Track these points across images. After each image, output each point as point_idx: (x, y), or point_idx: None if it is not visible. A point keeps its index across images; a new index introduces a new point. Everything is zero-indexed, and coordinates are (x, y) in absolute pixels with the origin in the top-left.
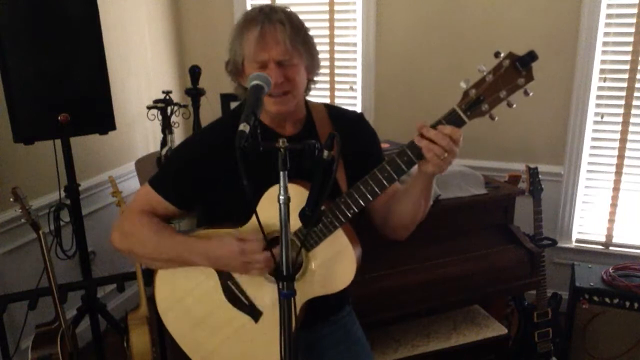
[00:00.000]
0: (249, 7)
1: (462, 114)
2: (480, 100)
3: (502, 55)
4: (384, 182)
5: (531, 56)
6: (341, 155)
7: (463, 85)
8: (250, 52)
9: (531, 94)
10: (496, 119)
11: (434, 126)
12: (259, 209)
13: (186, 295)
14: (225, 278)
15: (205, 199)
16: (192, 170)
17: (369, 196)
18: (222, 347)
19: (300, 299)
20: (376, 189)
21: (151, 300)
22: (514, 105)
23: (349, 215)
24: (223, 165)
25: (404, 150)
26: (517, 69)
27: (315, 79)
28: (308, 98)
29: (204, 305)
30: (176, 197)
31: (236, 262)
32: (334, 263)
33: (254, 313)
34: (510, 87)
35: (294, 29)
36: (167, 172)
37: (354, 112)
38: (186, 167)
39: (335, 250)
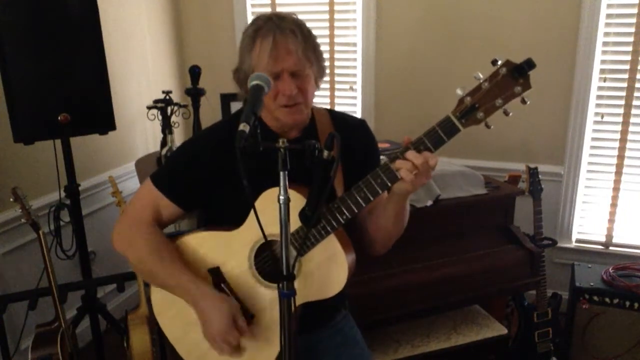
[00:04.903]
0: (248, 7)
1: (456, 122)
2: (475, 107)
3: (499, 62)
4: (378, 189)
5: (529, 64)
6: (340, 159)
7: (459, 92)
8: (263, 64)
9: (528, 102)
10: (492, 127)
11: (427, 134)
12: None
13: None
14: (219, 280)
15: (206, 198)
16: (194, 168)
17: (362, 202)
18: (213, 350)
19: None
20: (369, 195)
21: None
22: (511, 114)
23: (342, 221)
24: (223, 165)
25: (397, 156)
26: (514, 77)
27: (321, 82)
28: None
29: None
30: (178, 195)
31: (212, 332)
32: (326, 268)
33: (246, 316)
34: (507, 95)
35: (305, 38)
36: (169, 170)
37: (356, 118)
38: (188, 165)
39: (327, 255)
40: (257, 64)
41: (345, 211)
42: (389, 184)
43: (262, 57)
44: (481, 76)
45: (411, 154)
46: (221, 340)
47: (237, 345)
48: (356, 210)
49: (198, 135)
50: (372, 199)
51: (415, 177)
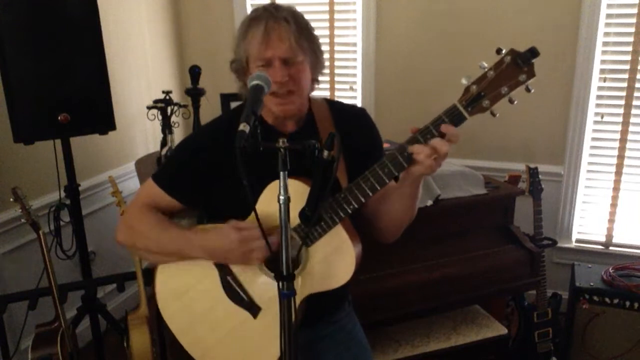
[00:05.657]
0: (248, 7)
1: (462, 110)
2: (481, 96)
3: (503, 51)
4: (384, 178)
5: (532, 52)
6: (342, 151)
7: (464, 81)
8: (255, 50)
9: (532, 90)
10: (497, 115)
11: (433, 122)
12: (259, 203)
13: (186, 290)
14: (225, 273)
15: (206, 194)
16: (194, 165)
17: (368, 192)
18: (221, 343)
19: (299, 295)
20: (376, 185)
21: (151, 300)
22: (515, 102)
23: (349, 211)
24: (223, 162)
25: (404, 146)
26: (518, 65)
27: (319, 78)
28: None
29: (203, 301)
30: (178, 191)
31: (236, 252)
32: (334, 258)
33: (253, 309)
34: (512, 83)
35: (299, 27)
36: (169, 167)
37: (356, 107)
38: (188, 162)
39: (334, 245)
40: (250, 50)
41: (352, 201)
42: (401, 170)
43: (253, 43)
44: (486, 65)
45: (436, 141)
46: (248, 249)
47: (262, 245)
48: (363, 200)
49: (197, 132)
50: (379, 188)
51: (435, 160)
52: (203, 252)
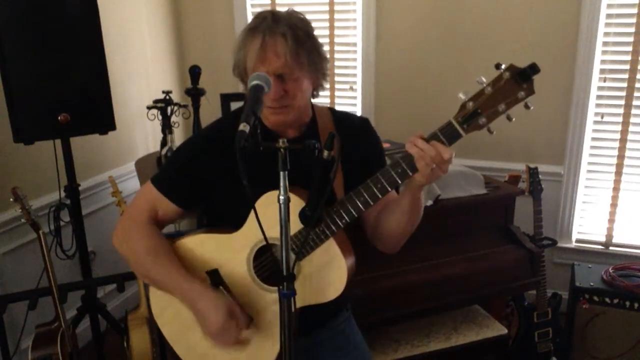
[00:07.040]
0: (248, 7)
1: (458, 127)
2: (477, 113)
3: (502, 67)
4: (377, 193)
5: (533, 69)
6: (341, 160)
7: (462, 96)
8: (251, 64)
9: (532, 107)
10: (494, 133)
11: (429, 139)
12: (250, 219)
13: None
14: (217, 283)
15: (206, 198)
16: (193, 168)
17: (361, 207)
18: (213, 351)
19: None
20: (369, 200)
21: None
22: (513, 119)
23: (341, 225)
24: (223, 165)
25: (398, 161)
26: (517, 82)
27: (324, 83)
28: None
29: None
30: (177, 195)
31: (211, 329)
32: (325, 272)
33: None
34: (510, 100)
35: (297, 42)
36: (168, 170)
37: (359, 116)
38: (187, 165)
39: (326, 259)
40: (247, 62)
41: (344, 215)
42: (393, 186)
43: (250, 58)
44: (484, 80)
45: (420, 142)
46: (222, 336)
47: (238, 339)
48: (356, 215)
49: (197, 134)
50: (371, 203)
51: (432, 171)
52: (189, 305)
